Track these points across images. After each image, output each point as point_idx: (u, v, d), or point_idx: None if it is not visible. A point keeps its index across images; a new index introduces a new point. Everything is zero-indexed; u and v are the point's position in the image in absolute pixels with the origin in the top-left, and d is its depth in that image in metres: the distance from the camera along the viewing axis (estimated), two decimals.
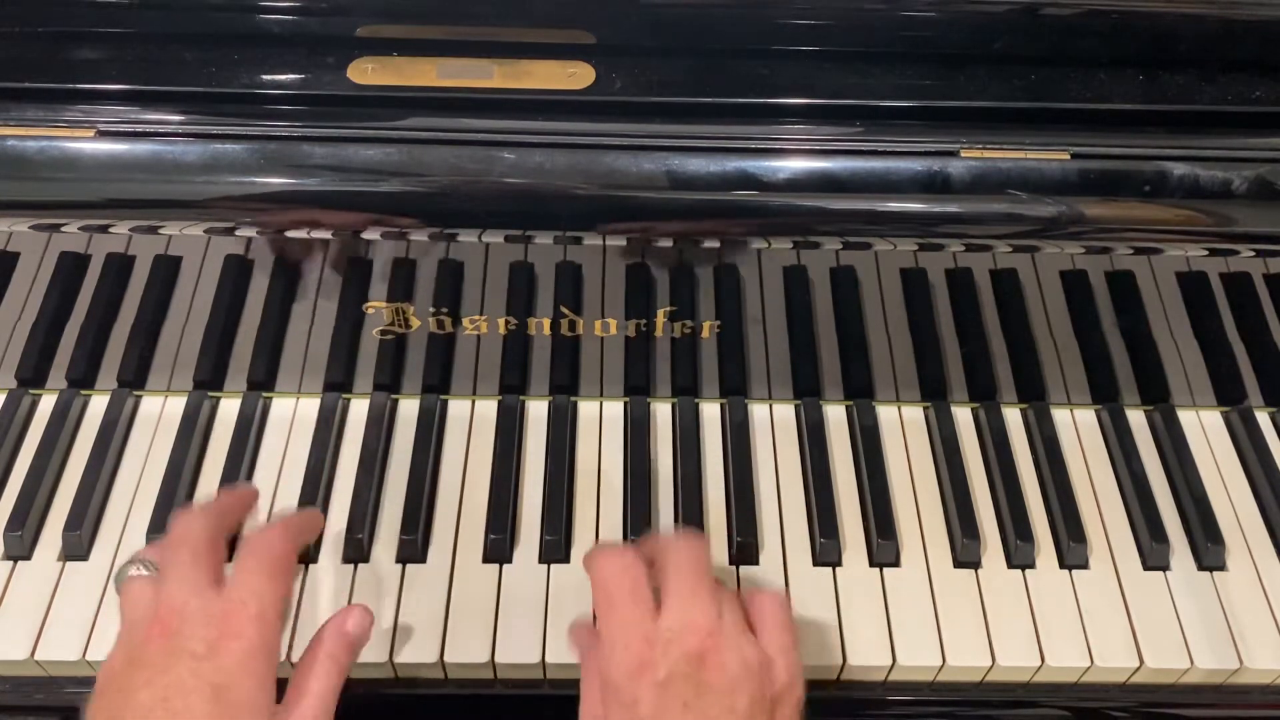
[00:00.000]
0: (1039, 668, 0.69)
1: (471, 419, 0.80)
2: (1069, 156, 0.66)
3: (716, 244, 0.69)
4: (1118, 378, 0.80)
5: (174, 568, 0.60)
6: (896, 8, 0.67)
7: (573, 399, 0.81)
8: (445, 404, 0.80)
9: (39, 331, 0.75)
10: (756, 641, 0.60)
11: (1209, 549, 0.73)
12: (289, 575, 0.62)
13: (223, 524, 0.64)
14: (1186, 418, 0.81)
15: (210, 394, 0.80)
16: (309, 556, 0.72)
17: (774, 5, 0.67)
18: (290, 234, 0.68)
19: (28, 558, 0.72)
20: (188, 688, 0.55)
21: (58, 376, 0.79)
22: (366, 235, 0.68)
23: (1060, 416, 0.81)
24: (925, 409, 0.82)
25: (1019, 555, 0.73)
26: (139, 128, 0.65)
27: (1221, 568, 0.74)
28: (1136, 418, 0.81)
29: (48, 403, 0.79)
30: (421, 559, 0.72)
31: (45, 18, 0.68)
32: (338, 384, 0.79)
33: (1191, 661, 0.69)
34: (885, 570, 0.73)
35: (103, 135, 0.64)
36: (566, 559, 0.73)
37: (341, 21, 0.67)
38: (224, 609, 0.58)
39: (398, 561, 0.72)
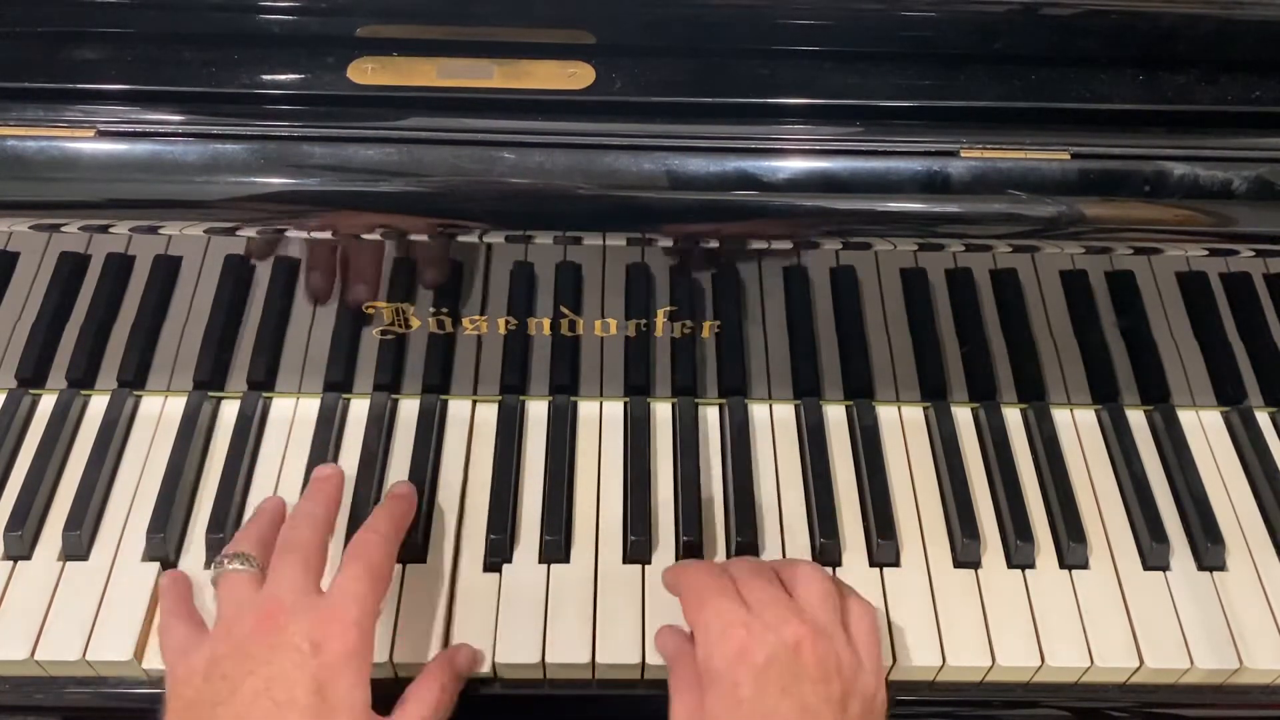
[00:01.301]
0: (1039, 668, 0.69)
1: (471, 419, 0.80)
2: (1069, 156, 0.66)
3: (716, 244, 0.69)
4: (1118, 378, 0.80)
5: (283, 570, 0.62)
6: (896, 8, 0.67)
7: (573, 399, 0.81)
8: (445, 404, 0.80)
9: (39, 331, 0.75)
10: (850, 643, 0.61)
11: (1209, 549, 0.73)
12: (387, 581, 0.64)
13: (330, 529, 0.67)
14: (1186, 418, 0.81)
15: (210, 394, 0.80)
16: None
17: (774, 5, 0.67)
18: (290, 234, 0.68)
19: (28, 558, 0.72)
20: (291, 680, 0.56)
21: (58, 376, 0.79)
22: (366, 235, 0.68)
23: (1060, 416, 0.81)
24: (925, 409, 0.82)
25: (1019, 555, 0.73)
26: (139, 128, 0.65)
27: (1221, 568, 0.74)
28: (1136, 418, 0.81)
29: (48, 403, 0.79)
30: (422, 559, 0.72)
31: (45, 18, 0.68)
32: (338, 384, 0.79)
33: (1191, 661, 0.69)
34: (885, 570, 0.73)
35: (103, 135, 0.64)
36: (566, 559, 0.73)
37: (341, 21, 0.67)
38: (327, 612, 0.59)
39: (398, 561, 0.72)
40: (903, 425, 0.81)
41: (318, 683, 0.56)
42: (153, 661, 0.67)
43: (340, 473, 0.73)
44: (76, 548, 0.71)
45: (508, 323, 0.75)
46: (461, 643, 0.68)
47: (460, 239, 0.68)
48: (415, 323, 0.75)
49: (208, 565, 0.72)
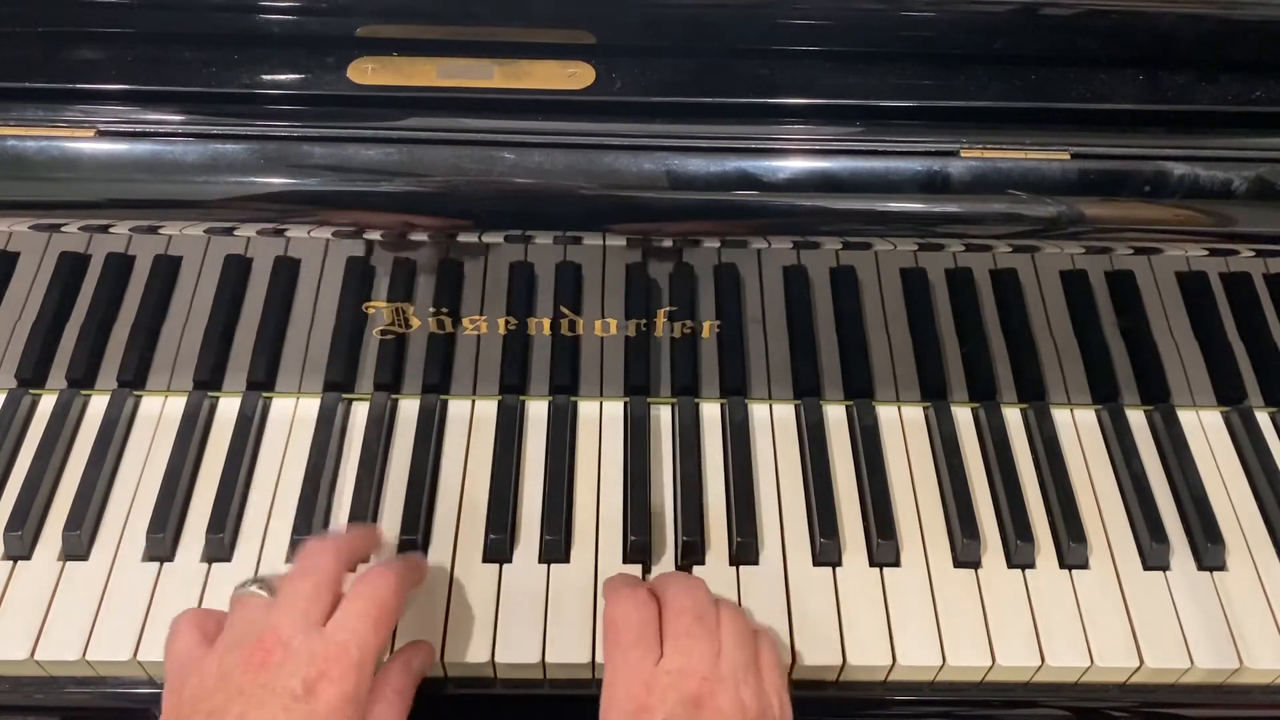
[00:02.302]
0: (1039, 668, 0.69)
1: (471, 419, 0.80)
2: (1069, 156, 0.66)
3: (716, 244, 0.69)
4: (1118, 378, 0.80)
5: (291, 599, 0.59)
6: (896, 8, 0.67)
7: (573, 399, 0.81)
8: (445, 404, 0.80)
9: (39, 331, 0.75)
10: (758, 682, 0.60)
11: (1209, 549, 0.73)
12: (392, 622, 0.61)
13: (349, 563, 0.64)
14: (1186, 418, 0.81)
15: (210, 394, 0.80)
16: None
17: (774, 5, 0.67)
18: (290, 234, 0.68)
19: (28, 558, 0.72)
20: None
21: (58, 376, 0.79)
22: (366, 235, 0.68)
23: (1060, 416, 0.81)
24: (925, 409, 0.82)
25: (1019, 555, 0.73)
26: (139, 128, 0.65)
27: (1221, 568, 0.74)
28: (1136, 418, 0.81)
29: (48, 403, 0.79)
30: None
31: (45, 18, 0.68)
32: (338, 384, 0.79)
33: (1191, 661, 0.69)
34: (885, 570, 0.73)
35: (103, 135, 0.64)
36: (566, 559, 0.73)
37: (341, 21, 0.67)
38: (326, 650, 0.57)
39: None
40: (903, 425, 0.81)
41: None
42: (150, 656, 0.67)
43: (381, 533, 0.72)
44: (76, 548, 0.71)
45: (508, 323, 0.75)
46: (419, 642, 0.67)
47: (460, 239, 0.68)
48: (415, 323, 0.75)
49: (203, 560, 0.72)
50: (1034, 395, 0.81)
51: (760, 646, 0.63)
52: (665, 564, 0.72)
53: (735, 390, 0.80)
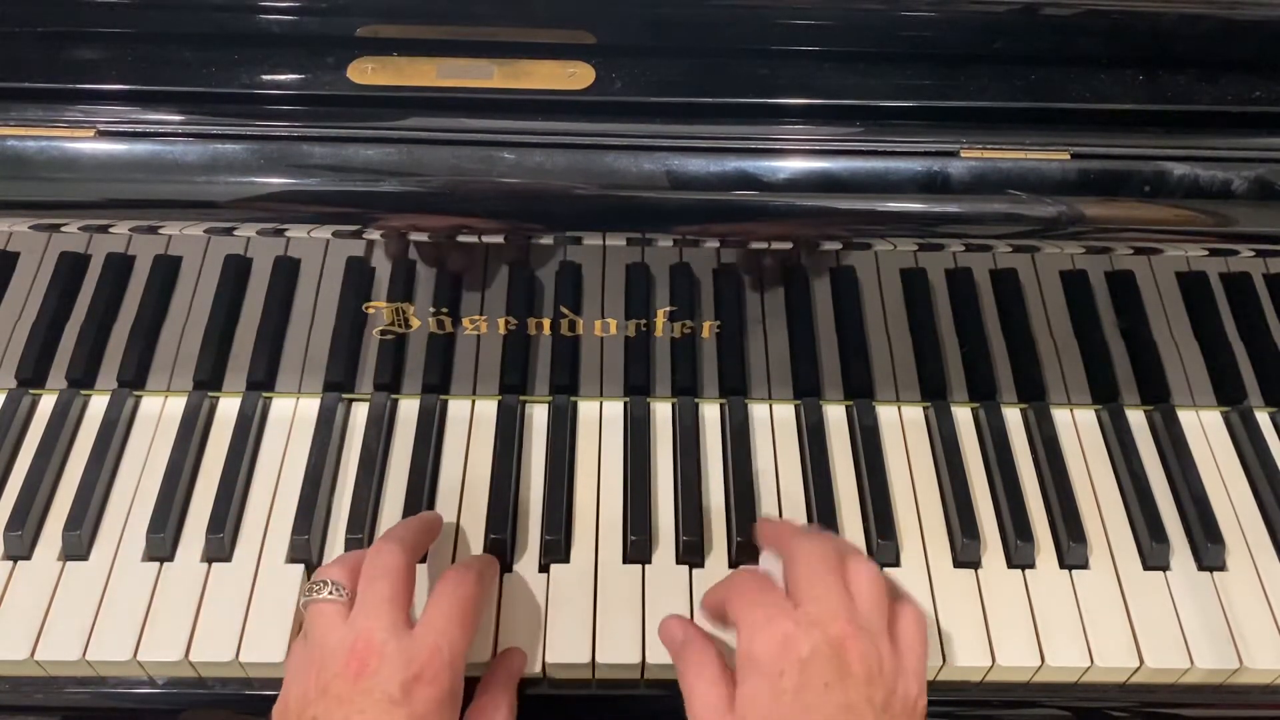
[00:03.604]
0: (1039, 668, 0.69)
1: (471, 419, 0.80)
2: (1069, 156, 0.66)
3: (716, 244, 0.69)
4: (1118, 378, 0.80)
5: (371, 602, 0.60)
6: (896, 8, 0.67)
7: (573, 399, 0.81)
8: (445, 404, 0.80)
9: (39, 331, 0.75)
10: (895, 648, 0.60)
11: (1209, 549, 0.73)
12: (477, 621, 0.63)
13: (417, 556, 0.66)
14: (1186, 418, 0.81)
15: (210, 394, 0.80)
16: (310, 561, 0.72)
17: (774, 5, 0.67)
18: (290, 234, 0.68)
19: (28, 558, 0.72)
20: None
21: (58, 376, 0.79)
22: (366, 235, 0.68)
23: (1060, 416, 0.81)
24: (925, 409, 0.82)
25: (1019, 555, 0.73)
26: (139, 128, 0.65)
27: (1221, 568, 0.74)
28: (1136, 418, 0.81)
29: (48, 403, 0.79)
30: (422, 559, 0.72)
31: (45, 18, 0.68)
32: (338, 384, 0.79)
33: (1191, 661, 0.69)
34: (885, 570, 0.72)
35: (103, 135, 0.64)
36: (566, 558, 0.73)
37: (341, 21, 0.67)
38: (419, 653, 0.58)
39: None
40: (903, 425, 0.81)
41: None
42: (150, 656, 0.67)
43: (440, 517, 0.72)
44: (76, 548, 0.71)
45: (508, 323, 0.75)
46: (512, 647, 0.68)
47: (460, 239, 0.68)
48: (415, 323, 0.75)
49: (203, 560, 0.72)
50: (1034, 395, 0.81)
51: (907, 618, 0.62)
52: (665, 564, 0.72)
53: (735, 390, 0.80)
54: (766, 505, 0.76)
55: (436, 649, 0.58)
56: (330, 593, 0.61)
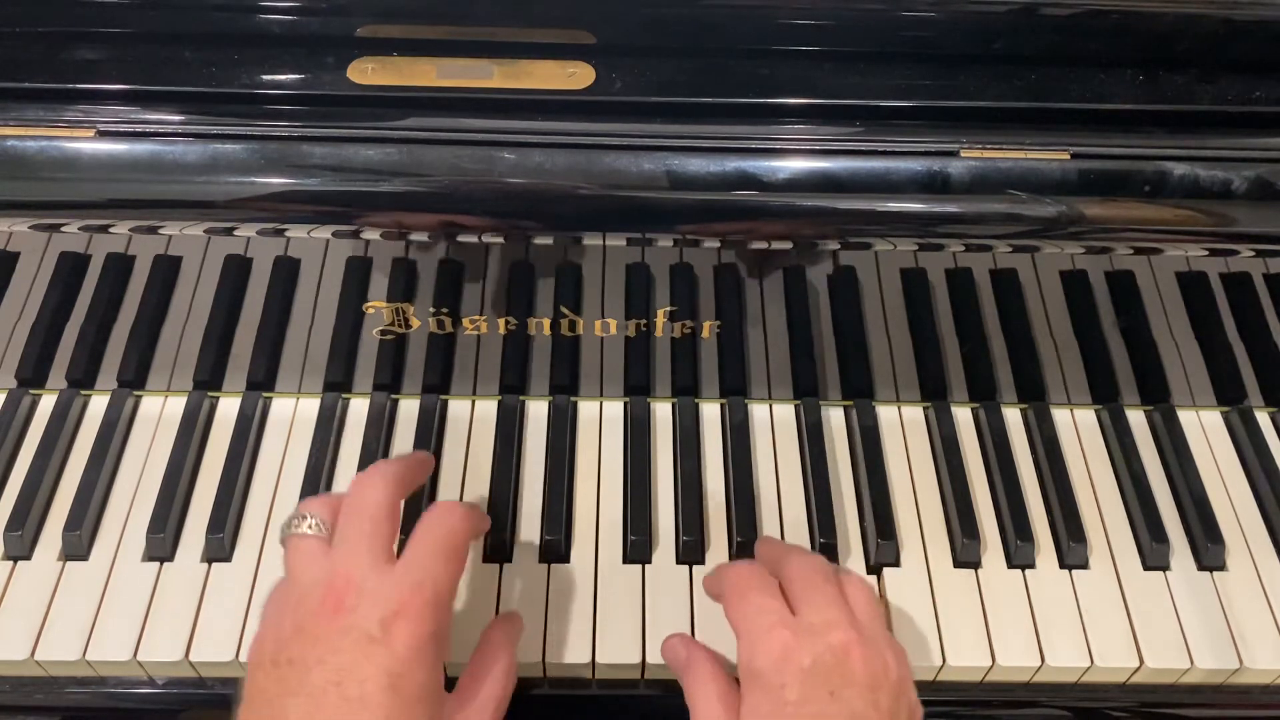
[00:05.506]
0: (1039, 668, 0.69)
1: (471, 419, 0.80)
2: (1069, 156, 0.66)
3: (716, 244, 0.69)
4: (1118, 378, 0.80)
5: (351, 537, 0.57)
6: (896, 8, 0.67)
7: (573, 399, 0.81)
8: (445, 404, 0.80)
9: (39, 331, 0.75)
10: (895, 653, 0.60)
11: (1209, 549, 0.73)
12: (464, 559, 0.60)
13: (402, 492, 0.62)
14: (1186, 418, 0.81)
15: (210, 394, 0.80)
16: None
17: (774, 5, 0.67)
18: (290, 234, 0.68)
19: (28, 558, 0.72)
20: (363, 674, 0.53)
21: (58, 376, 0.79)
22: (366, 235, 0.68)
23: (1060, 416, 0.81)
24: (925, 409, 0.82)
25: (1019, 555, 0.73)
26: (139, 128, 0.65)
27: (1221, 568, 0.74)
28: (1136, 418, 0.81)
29: (48, 403, 0.79)
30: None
31: (45, 18, 0.68)
32: (338, 384, 0.79)
33: (1191, 661, 0.69)
34: (885, 570, 0.73)
35: (103, 135, 0.64)
36: (566, 558, 0.73)
37: (341, 21, 0.67)
38: (398, 590, 0.55)
39: None
40: (903, 425, 0.81)
41: (391, 675, 0.53)
42: (150, 656, 0.67)
43: (431, 457, 0.71)
44: (76, 548, 0.71)
45: (508, 323, 0.75)
46: (513, 613, 0.67)
47: (460, 239, 0.68)
48: (415, 323, 0.75)
49: (203, 560, 0.72)
50: (1034, 395, 0.81)
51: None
52: (665, 564, 0.72)
53: (735, 390, 0.80)
54: (766, 505, 0.76)
55: (418, 585, 0.55)
56: (310, 526, 0.59)
